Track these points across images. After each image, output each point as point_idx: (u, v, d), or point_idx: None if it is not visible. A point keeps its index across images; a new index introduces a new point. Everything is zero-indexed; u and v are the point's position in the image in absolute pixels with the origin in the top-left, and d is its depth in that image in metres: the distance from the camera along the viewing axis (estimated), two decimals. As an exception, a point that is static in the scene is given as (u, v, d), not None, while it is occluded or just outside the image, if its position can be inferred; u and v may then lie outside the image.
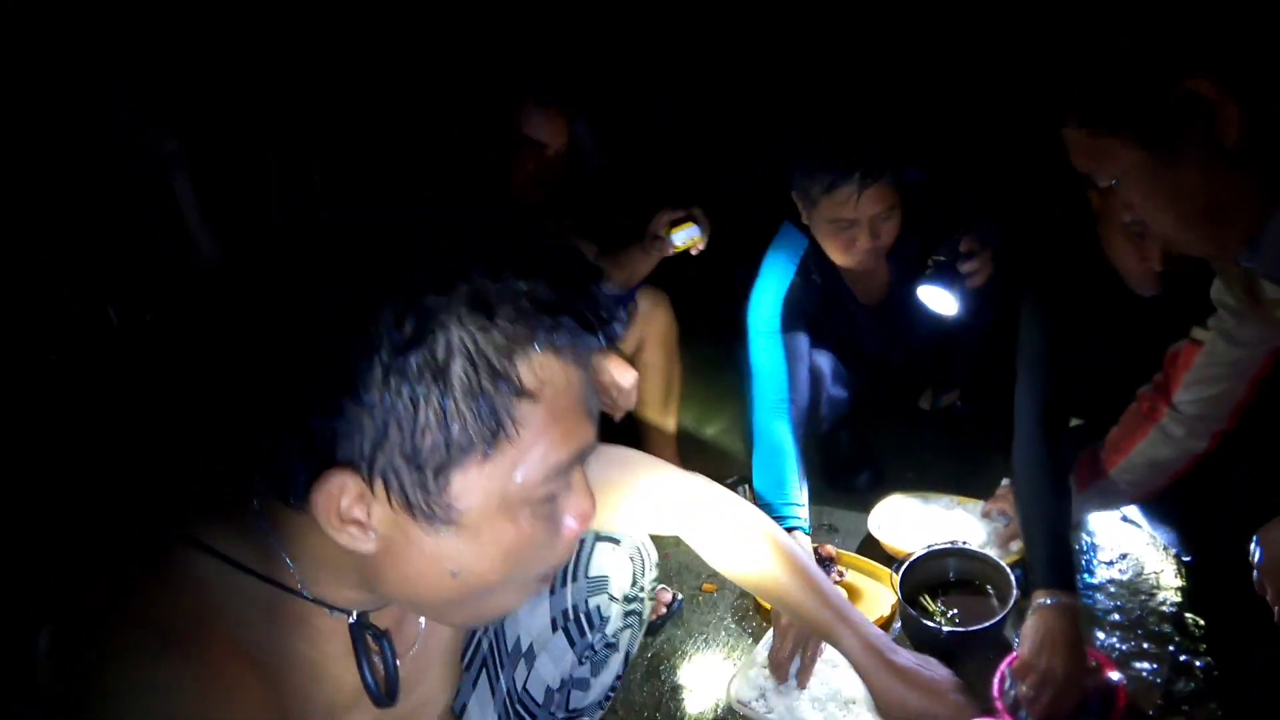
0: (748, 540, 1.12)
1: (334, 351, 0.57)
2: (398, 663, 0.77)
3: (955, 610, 1.46)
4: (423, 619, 0.86)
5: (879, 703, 1.08)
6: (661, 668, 1.53)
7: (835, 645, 1.10)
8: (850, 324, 1.89)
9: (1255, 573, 1.01)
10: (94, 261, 1.50)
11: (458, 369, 0.58)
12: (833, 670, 1.36)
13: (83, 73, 1.57)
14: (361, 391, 0.57)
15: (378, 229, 0.63)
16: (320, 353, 0.58)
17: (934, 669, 1.09)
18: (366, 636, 0.74)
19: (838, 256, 1.67)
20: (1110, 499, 1.45)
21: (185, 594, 0.65)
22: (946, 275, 1.62)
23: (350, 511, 0.61)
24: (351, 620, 0.73)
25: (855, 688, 1.32)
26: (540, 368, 0.61)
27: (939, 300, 1.65)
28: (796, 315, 1.77)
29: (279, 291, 0.61)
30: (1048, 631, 1.25)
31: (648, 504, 1.09)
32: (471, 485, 0.62)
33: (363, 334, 0.57)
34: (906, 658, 1.08)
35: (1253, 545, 1.02)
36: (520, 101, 1.79)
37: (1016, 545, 1.55)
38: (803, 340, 1.78)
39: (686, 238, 1.80)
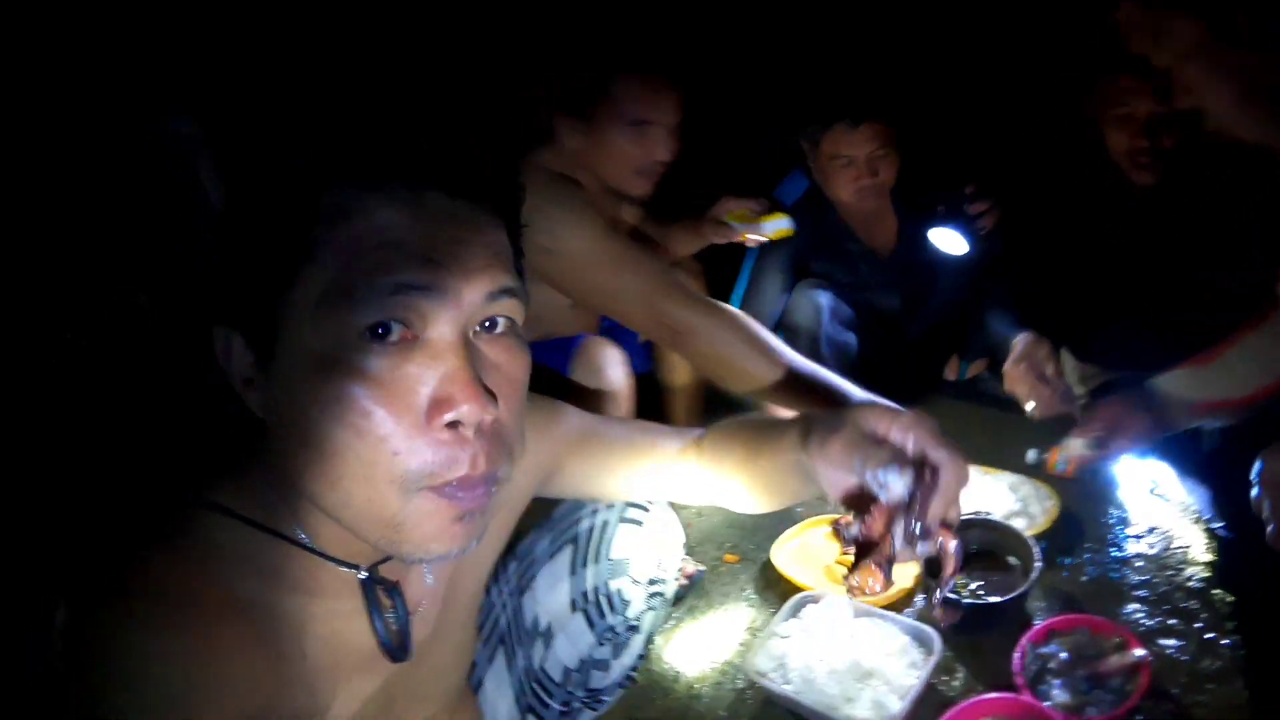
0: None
1: (198, 208, 0.66)
2: (410, 617, 0.78)
3: (978, 582, 1.45)
4: (429, 577, 0.85)
5: (824, 478, 0.80)
6: (681, 638, 1.55)
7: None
8: (853, 269, 1.97)
9: (1255, 489, 0.98)
10: (123, 246, 1.52)
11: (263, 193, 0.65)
12: (851, 642, 1.37)
13: (102, 59, 1.59)
14: (207, 227, 0.64)
15: None
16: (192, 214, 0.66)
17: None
18: (379, 591, 0.76)
19: (841, 192, 1.85)
20: (1200, 388, 1.35)
21: (194, 560, 0.67)
22: (955, 216, 1.72)
23: (245, 369, 0.67)
24: (363, 576, 0.74)
25: (873, 659, 1.32)
26: (352, 198, 0.64)
27: (949, 241, 1.70)
28: (779, 253, 1.94)
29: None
30: (1031, 344, 1.66)
31: (670, 468, 1.07)
32: (292, 317, 0.64)
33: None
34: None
35: (1256, 462, 0.99)
36: (611, 77, 1.50)
37: (1042, 516, 1.53)
38: (772, 277, 1.95)
39: (776, 228, 1.82)
